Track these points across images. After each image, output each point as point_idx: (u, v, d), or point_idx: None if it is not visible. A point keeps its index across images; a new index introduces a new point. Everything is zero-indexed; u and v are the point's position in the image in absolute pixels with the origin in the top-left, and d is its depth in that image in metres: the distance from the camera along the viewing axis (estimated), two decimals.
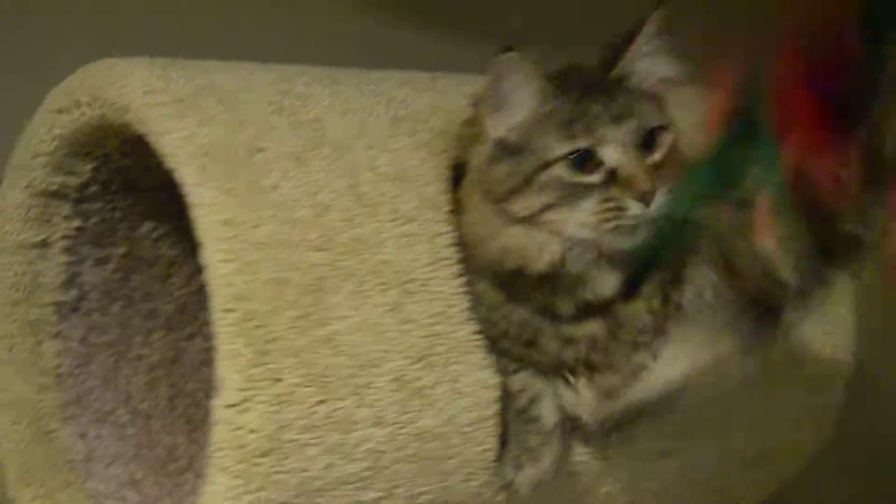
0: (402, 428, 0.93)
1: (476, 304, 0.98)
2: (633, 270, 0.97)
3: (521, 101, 0.93)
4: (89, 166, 1.06)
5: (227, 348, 0.86)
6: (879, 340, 1.30)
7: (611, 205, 0.90)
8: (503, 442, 0.99)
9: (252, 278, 0.87)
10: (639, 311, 0.98)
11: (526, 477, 0.98)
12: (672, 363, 0.98)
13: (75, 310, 1.13)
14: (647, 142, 0.92)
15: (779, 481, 1.27)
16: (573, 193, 0.91)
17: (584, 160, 0.91)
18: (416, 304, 0.94)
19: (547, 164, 0.92)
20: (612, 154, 0.91)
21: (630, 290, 0.97)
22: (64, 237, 1.11)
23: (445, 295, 0.96)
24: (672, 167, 0.92)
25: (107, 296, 1.13)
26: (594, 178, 0.91)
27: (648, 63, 0.96)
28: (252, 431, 0.86)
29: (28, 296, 1.10)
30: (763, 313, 0.93)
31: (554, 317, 0.98)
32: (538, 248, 0.94)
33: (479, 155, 0.96)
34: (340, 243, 0.92)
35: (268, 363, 0.87)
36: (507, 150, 0.94)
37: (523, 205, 0.93)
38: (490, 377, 0.98)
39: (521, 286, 0.97)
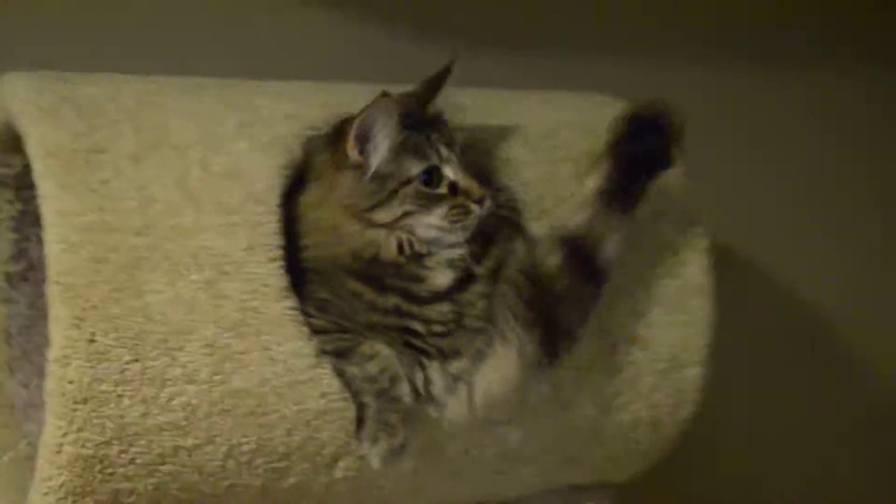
0: (215, 386, 1.09)
1: (350, 298, 1.15)
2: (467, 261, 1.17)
3: (387, 136, 1.13)
4: (18, 160, 1.25)
5: (53, 313, 1.05)
6: None
7: (460, 209, 1.14)
8: (360, 419, 1.15)
9: (74, 257, 1.05)
10: (475, 296, 1.16)
11: (381, 450, 1.13)
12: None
13: (24, 279, 1.32)
14: (467, 160, 1.17)
15: (643, 459, 1.37)
16: (427, 202, 1.13)
17: (433, 176, 1.13)
18: (231, 283, 1.10)
19: (408, 181, 1.13)
20: (451, 171, 1.14)
21: (468, 280, 1.17)
22: (10, 217, 1.28)
23: (261, 275, 1.12)
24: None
25: None
26: (441, 189, 1.13)
27: (447, 101, 1.19)
28: (71, 382, 1.04)
29: None
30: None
31: (412, 299, 1.15)
32: (387, 241, 1.15)
33: (342, 178, 1.15)
34: (161, 229, 1.08)
35: (84, 327, 1.05)
36: (376, 174, 1.13)
37: (386, 214, 1.14)
38: (304, 347, 1.13)
39: (381, 274, 1.15)
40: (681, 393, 1.33)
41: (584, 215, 1.21)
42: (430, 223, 1.14)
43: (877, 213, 2.01)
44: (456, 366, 1.17)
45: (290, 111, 1.20)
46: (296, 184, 1.17)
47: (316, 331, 1.14)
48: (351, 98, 1.21)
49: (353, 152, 1.14)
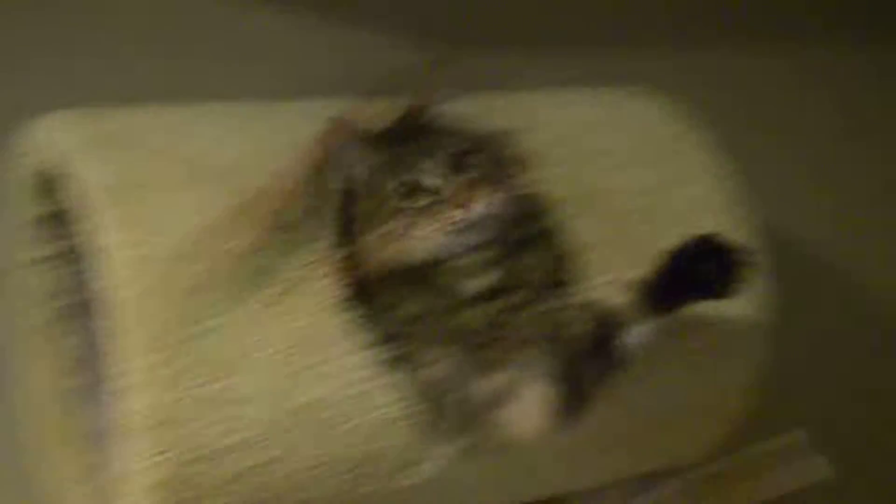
0: (285, 402, 1.12)
1: (396, 307, 1.16)
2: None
3: (353, 158, 1.16)
4: (54, 200, 1.27)
5: (123, 342, 1.08)
6: None
7: (439, 219, 1.11)
8: (424, 424, 1.16)
9: (135, 288, 1.08)
10: (517, 299, 1.16)
11: (446, 453, 1.15)
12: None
13: (86, 311, 1.34)
14: (459, 162, 1.13)
15: (704, 445, 1.39)
16: (412, 216, 1.12)
17: (414, 188, 1.12)
18: (292, 299, 1.13)
19: (386, 198, 1.13)
20: (431, 180, 1.11)
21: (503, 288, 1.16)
22: (65, 252, 1.32)
23: (319, 290, 1.15)
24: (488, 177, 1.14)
25: None
26: (423, 201, 1.12)
27: (443, 104, 1.18)
28: (144, 408, 1.07)
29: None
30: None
31: (449, 303, 1.15)
32: (408, 255, 1.14)
33: (330, 206, 1.17)
34: (217, 254, 1.12)
35: (156, 353, 1.07)
36: (354, 195, 1.16)
37: (380, 232, 1.14)
38: (368, 358, 1.16)
39: (421, 281, 1.15)
40: (741, 377, 1.34)
41: (622, 297, 1.17)
42: (422, 234, 1.13)
43: None
44: (495, 380, 1.15)
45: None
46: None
47: (380, 340, 1.16)
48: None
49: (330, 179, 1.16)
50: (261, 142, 1.20)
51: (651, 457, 1.38)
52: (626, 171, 1.32)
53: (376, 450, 1.17)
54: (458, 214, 1.11)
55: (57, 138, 1.16)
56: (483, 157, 1.14)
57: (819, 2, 1.92)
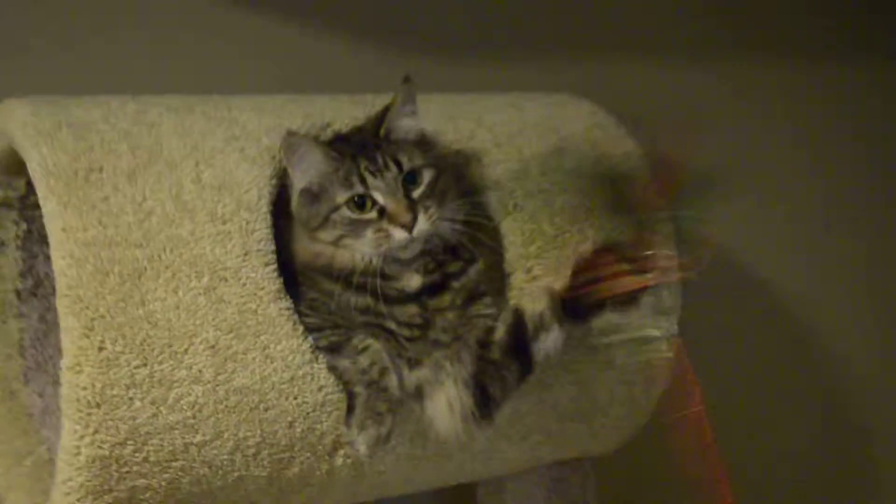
0: (219, 385, 1.14)
1: (333, 298, 1.20)
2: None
3: (311, 165, 1.19)
4: (23, 181, 1.30)
5: (63, 325, 1.09)
6: None
7: (381, 234, 1.17)
8: (349, 408, 1.19)
9: (80, 271, 1.10)
10: (444, 302, 1.22)
11: (368, 437, 1.17)
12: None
13: (33, 294, 1.37)
14: (411, 179, 1.19)
15: (620, 434, 1.42)
16: (357, 226, 1.18)
17: (363, 202, 1.18)
18: (229, 287, 1.15)
19: (336, 208, 1.18)
20: (380, 196, 1.17)
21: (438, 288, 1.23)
22: (16, 237, 1.34)
23: (257, 279, 1.17)
24: (439, 194, 1.20)
25: None
26: (371, 214, 1.18)
27: (406, 121, 1.23)
28: (84, 388, 1.09)
29: None
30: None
31: (384, 298, 1.19)
32: (350, 257, 1.20)
33: (293, 199, 1.21)
34: (160, 241, 1.13)
35: (93, 336, 1.09)
36: (308, 197, 1.20)
37: (327, 235, 1.20)
38: (300, 345, 1.18)
39: (354, 281, 1.20)
40: (653, 368, 1.37)
41: (539, 306, 1.22)
42: (362, 246, 1.18)
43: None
44: (417, 374, 1.20)
45: (273, 124, 1.24)
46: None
47: (310, 328, 1.19)
48: (331, 109, 1.26)
49: (292, 175, 1.21)
50: (210, 133, 1.21)
51: (564, 448, 1.41)
52: (556, 173, 1.34)
53: (303, 433, 1.19)
54: (399, 233, 1.17)
55: (13, 124, 1.16)
56: (431, 176, 1.21)
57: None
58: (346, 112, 1.30)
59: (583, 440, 1.41)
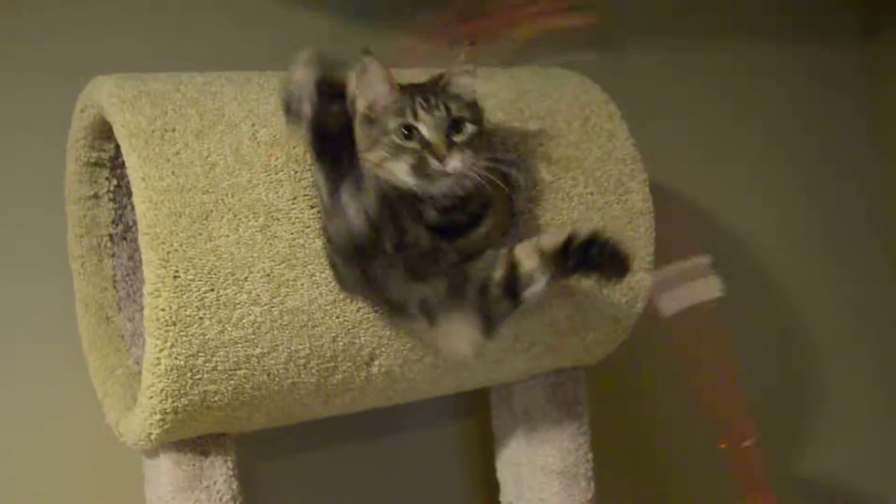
0: (273, 307, 1.27)
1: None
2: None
3: (373, 88, 1.28)
4: (112, 144, 1.40)
5: (144, 258, 1.21)
6: None
7: (419, 162, 1.24)
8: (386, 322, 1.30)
9: (157, 213, 1.22)
10: (479, 237, 1.30)
11: (401, 346, 1.29)
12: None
13: (123, 238, 1.48)
14: (455, 126, 1.26)
15: (606, 347, 1.51)
16: (399, 152, 1.26)
17: (410, 131, 1.25)
18: (281, 226, 1.28)
19: (386, 132, 1.26)
20: (425, 129, 1.26)
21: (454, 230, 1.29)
22: (108, 191, 1.46)
23: (303, 219, 1.30)
24: (475, 149, 1.26)
25: None
26: (413, 144, 1.26)
27: (464, 78, 1.31)
28: (162, 310, 1.21)
29: (90, 230, 1.47)
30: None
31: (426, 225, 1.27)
32: (389, 177, 1.26)
33: (356, 121, 1.27)
34: (223, 188, 1.26)
35: (169, 266, 1.20)
36: (367, 120, 1.27)
37: (373, 156, 1.28)
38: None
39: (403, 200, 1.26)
40: (633, 293, 1.45)
41: (531, 263, 1.26)
42: (400, 168, 1.24)
43: None
44: (418, 288, 1.27)
45: None
46: None
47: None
48: None
49: (358, 99, 1.27)
50: (264, 100, 1.32)
51: (561, 358, 1.50)
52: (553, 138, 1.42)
53: (345, 346, 1.30)
54: (434, 163, 1.24)
55: (102, 96, 1.26)
56: (473, 130, 1.27)
57: None
58: None
59: (576, 351, 1.52)
